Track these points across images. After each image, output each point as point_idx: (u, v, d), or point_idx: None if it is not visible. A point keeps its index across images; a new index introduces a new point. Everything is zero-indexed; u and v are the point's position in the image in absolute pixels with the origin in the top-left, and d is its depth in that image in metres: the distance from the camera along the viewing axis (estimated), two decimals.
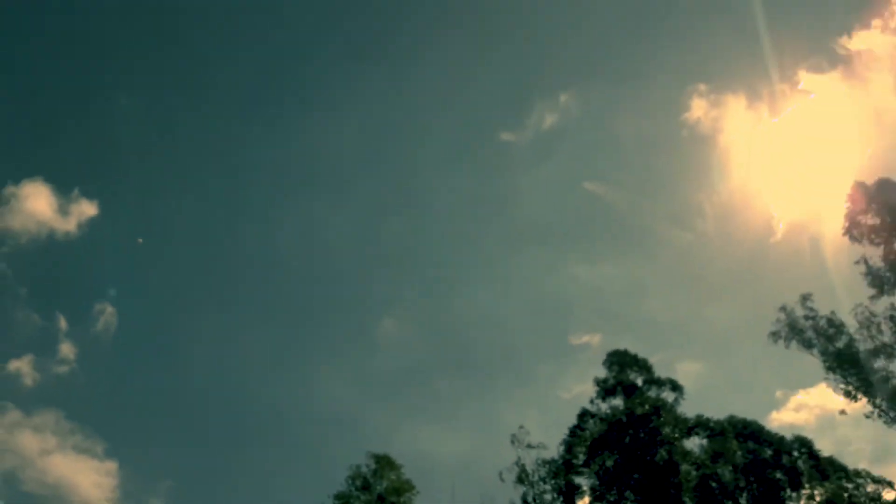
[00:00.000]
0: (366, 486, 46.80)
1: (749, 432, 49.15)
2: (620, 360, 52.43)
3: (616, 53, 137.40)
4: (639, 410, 48.34)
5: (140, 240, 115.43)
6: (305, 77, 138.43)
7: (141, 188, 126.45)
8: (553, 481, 47.80)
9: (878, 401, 42.42)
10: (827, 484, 46.12)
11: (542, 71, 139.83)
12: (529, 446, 48.88)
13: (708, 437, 49.40)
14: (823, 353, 44.36)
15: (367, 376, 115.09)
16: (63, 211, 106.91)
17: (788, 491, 46.43)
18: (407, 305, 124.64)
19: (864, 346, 43.33)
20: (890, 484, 45.67)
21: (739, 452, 47.80)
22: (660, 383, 51.29)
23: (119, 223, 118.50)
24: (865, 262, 44.82)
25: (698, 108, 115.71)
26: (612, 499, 46.66)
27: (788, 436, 49.12)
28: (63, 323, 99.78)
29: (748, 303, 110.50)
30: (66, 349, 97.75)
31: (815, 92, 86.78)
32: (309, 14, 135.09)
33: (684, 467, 47.13)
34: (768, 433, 49.20)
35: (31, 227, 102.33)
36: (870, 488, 45.74)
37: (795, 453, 48.04)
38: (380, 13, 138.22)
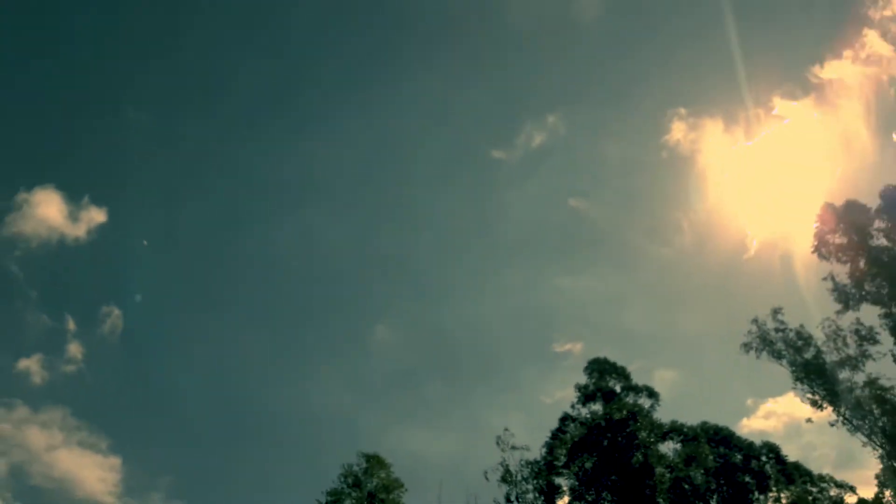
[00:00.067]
0: (357, 484, 47.71)
1: (720, 438, 50.50)
2: (600, 368, 53.80)
3: (601, 78, 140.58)
4: (617, 415, 49.59)
5: (145, 242, 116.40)
6: (307, 93, 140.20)
7: (148, 196, 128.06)
8: (535, 481, 48.81)
9: (842, 409, 44.15)
10: (793, 488, 47.57)
11: (532, 93, 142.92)
12: (513, 448, 49.77)
13: (681, 441, 50.67)
14: (792, 363, 45.98)
15: (360, 379, 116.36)
16: (73, 217, 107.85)
17: (756, 494, 47.76)
18: (399, 312, 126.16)
19: (830, 357, 45.04)
20: (852, 488, 47.31)
21: (711, 457, 49.04)
22: (637, 390, 52.61)
23: (127, 230, 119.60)
24: (832, 278, 46.78)
25: (678, 131, 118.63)
26: (590, 499, 47.79)
27: (757, 442, 50.59)
28: (71, 324, 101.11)
29: (722, 315, 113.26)
30: (74, 349, 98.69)
31: (788, 117, 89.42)
32: (311, 34, 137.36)
33: (659, 470, 48.36)
34: (738, 439, 50.63)
35: (42, 233, 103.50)
36: (833, 492, 47.27)
37: (764, 458, 49.44)
38: (379, 35, 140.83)
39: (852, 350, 44.44)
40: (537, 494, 48.52)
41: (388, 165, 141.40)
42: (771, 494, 47.87)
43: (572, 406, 52.83)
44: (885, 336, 43.89)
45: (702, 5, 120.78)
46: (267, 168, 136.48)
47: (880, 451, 42.75)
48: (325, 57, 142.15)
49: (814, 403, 44.85)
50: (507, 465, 48.97)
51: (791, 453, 50.19)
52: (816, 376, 44.79)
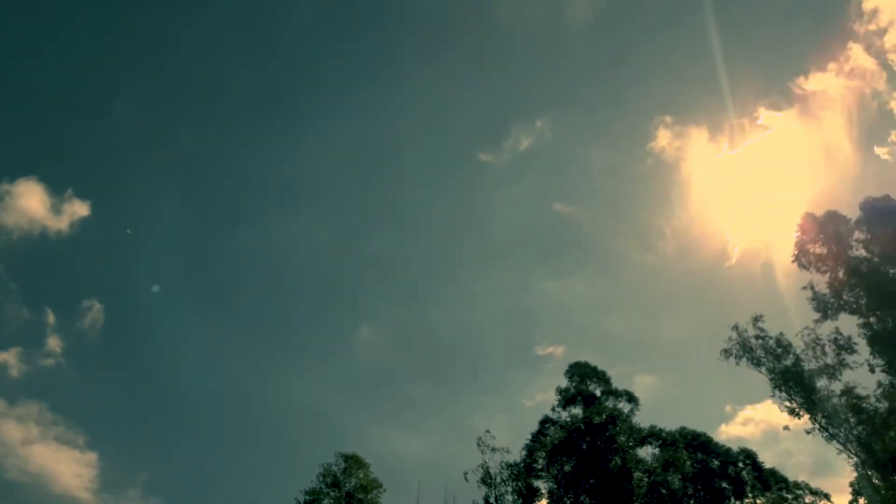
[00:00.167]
0: (335, 484, 47.18)
1: (698, 443, 50.39)
2: (581, 372, 53.55)
3: (589, 85, 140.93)
4: (596, 419, 49.39)
5: (128, 231, 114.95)
6: (298, 95, 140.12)
7: (133, 191, 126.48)
8: (514, 483, 48.47)
9: (818, 417, 44.07)
10: (769, 494, 47.50)
11: (521, 97, 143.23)
12: (494, 450, 49.44)
13: (660, 446, 50.51)
14: (771, 371, 45.85)
15: (344, 379, 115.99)
16: (56, 210, 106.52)
17: (733, 500, 47.57)
18: (385, 313, 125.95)
19: (809, 366, 44.97)
20: (826, 496, 47.31)
21: (689, 462, 48.92)
22: (617, 394, 52.42)
23: (110, 224, 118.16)
24: (812, 288, 46.73)
25: (663, 139, 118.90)
26: (568, 502, 47.39)
27: (735, 448, 50.51)
28: (51, 318, 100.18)
29: (703, 322, 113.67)
30: (53, 343, 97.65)
31: (772, 127, 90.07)
32: (304, 37, 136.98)
33: (637, 474, 48.16)
34: (716, 445, 50.52)
35: (23, 225, 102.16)
36: (808, 499, 47.24)
37: (741, 464, 49.33)
38: (371, 38, 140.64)
39: (830, 359, 44.40)
40: (516, 497, 48.16)
41: (377, 167, 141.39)
42: (747, 500, 47.72)
43: (553, 409, 52.68)
44: (862, 346, 43.94)
45: (691, 15, 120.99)
46: (255, 168, 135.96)
47: (855, 459, 42.66)
48: (318, 59, 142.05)
49: (791, 412, 44.73)
50: (488, 467, 48.71)
51: (768, 460, 50.35)
52: (795, 384, 44.67)
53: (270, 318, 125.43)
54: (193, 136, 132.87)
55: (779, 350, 46.05)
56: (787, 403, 44.95)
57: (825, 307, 45.72)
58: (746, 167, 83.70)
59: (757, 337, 46.96)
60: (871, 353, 43.33)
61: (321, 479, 47.36)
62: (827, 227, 46.82)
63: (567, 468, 48.55)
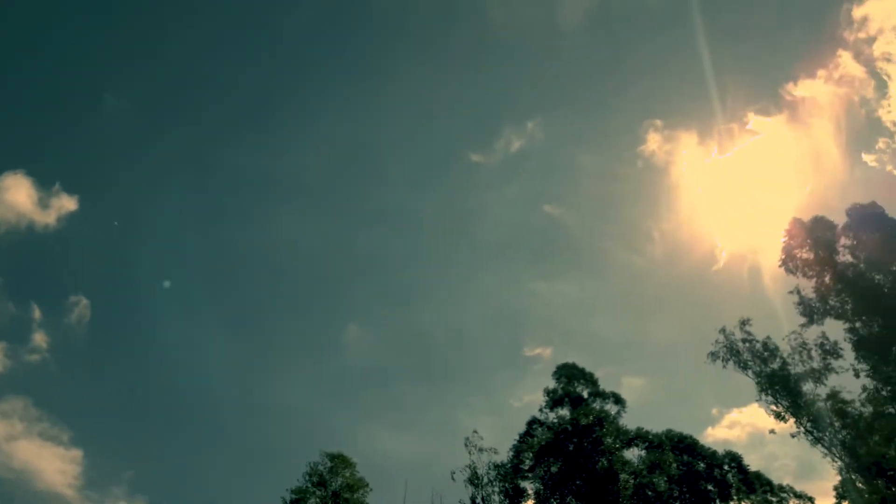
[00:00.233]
0: (322, 483, 46.81)
1: (684, 446, 50.25)
2: (569, 373, 53.38)
3: (581, 87, 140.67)
4: (583, 421, 49.19)
5: (116, 222, 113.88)
6: (289, 93, 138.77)
7: (122, 187, 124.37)
8: (501, 484, 48.24)
9: (804, 421, 44.12)
10: (753, 497, 47.43)
11: (513, 99, 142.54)
12: (481, 450, 49.11)
13: (646, 448, 50.27)
14: (758, 374, 45.90)
15: (332, 378, 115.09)
16: (43, 204, 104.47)
17: (718, 502, 47.32)
18: (374, 312, 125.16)
19: (795, 370, 45.03)
20: (811, 499, 47.23)
21: (675, 464, 48.75)
22: (604, 396, 52.29)
23: (98, 219, 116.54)
24: (798, 292, 46.86)
25: (653, 142, 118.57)
26: (554, 503, 47.35)
27: (721, 451, 50.47)
28: (37, 313, 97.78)
29: (690, 325, 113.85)
30: (39, 338, 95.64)
31: (761, 132, 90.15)
32: (296, 37, 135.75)
33: (623, 476, 47.97)
34: (702, 447, 50.39)
35: (10, 218, 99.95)
36: (792, 502, 47.09)
37: (726, 467, 49.19)
38: (363, 39, 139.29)
39: (816, 363, 44.51)
40: (503, 497, 47.91)
41: (367, 166, 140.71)
42: (732, 503, 47.68)
43: (540, 410, 52.38)
44: (847, 351, 44.06)
45: (682, 20, 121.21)
46: (245, 166, 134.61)
47: (839, 463, 42.74)
48: (309, 58, 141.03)
49: (777, 415, 44.78)
50: (475, 468, 48.42)
51: (753, 463, 50.20)
52: (781, 388, 44.73)
53: (259, 316, 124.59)
54: (184, 133, 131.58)
55: (766, 354, 46.10)
56: (773, 407, 45.02)
57: (811, 312, 45.84)
58: (735, 172, 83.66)
59: (744, 340, 47.04)
60: (856, 358, 43.49)
61: (307, 478, 46.97)
62: (814, 232, 46.96)
63: (554, 469, 48.32)
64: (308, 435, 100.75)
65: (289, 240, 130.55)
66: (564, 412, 51.34)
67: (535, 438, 50.44)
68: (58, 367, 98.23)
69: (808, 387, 44.27)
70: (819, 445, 43.39)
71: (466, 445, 49.19)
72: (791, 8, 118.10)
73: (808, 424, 43.77)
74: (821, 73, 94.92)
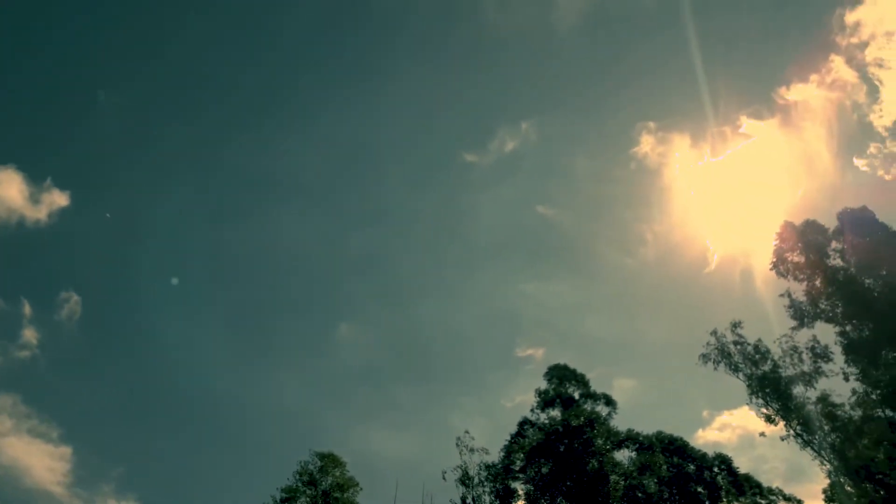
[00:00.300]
0: (312, 482, 46.60)
1: (675, 448, 50.23)
2: (560, 374, 53.26)
3: (575, 89, 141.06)
4: (574, 422, 49.04)
5: (108, 215, 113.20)
6: (285, 93, 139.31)
7: (115, 183, 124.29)
8: (492, 485, 48.12)
9: (793, 424, 44.02)
10: (743, 499, 47.43)
11: (507, 99, 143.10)
12: (472, 450, 49.02)
13: (637, 450, 50.23)
14: (748, 377, 45.76)
15: (325, 377, 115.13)
16: (34, 199, 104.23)
17: None
18: (367, 312, 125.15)
19: (786, 373, 44.92)
20: (799, 502, 47.33)
21: (665, 466, 48.70)
22: (595, 397, 52.17)
23: (90, 215, 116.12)
24: (789, 295, 46.71)
25: (646, 144, 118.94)
26: None
27: (711, 453, 50.47)
28: (27, 309, 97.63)
29: (682, 327, 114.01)
30: (29, 335, 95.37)
31: (754, 135, 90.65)
32: (293, 38, 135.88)
33: (613, 477, 47.85)
34: (692, 449, 50.40)
35: (0, 214, 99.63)
36: None
37: (716, 469, 49.26)
38: (360, 40, 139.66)
39: (807, 366, 44.39)
40: (493, 498, 47.76)
41: (362, 165, 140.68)
42: None
43: (532, 411, 52.38)
44: (837, 354, 43.98)
45: (677, 23, 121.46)
46: (240, 165, 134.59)
47: (828, 466, 42.64)
48: (305, 59, 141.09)
49: (767, 418, 44.63)
50: (466, 468, 48.27)
51: (743, 465, 50.30)
52: (771, 391, 44.61)
53: (253, 314, 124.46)
54: (178, 131, 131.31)
55: (757, 356, 45.95)
56: (764, 410, 44.86)
57: (802, 315, 45.72)
58: (727, 175, 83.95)
59: (735, 343, 46.88)
60: (846, 362, 43.36)
61: (297, 477, 46.77)
62: (805, 235, 46.87)
63: (544, 470, 48.17)
64: (301, 433, 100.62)
65: (284, 238, 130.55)
66: (556, 413, 51.23)
67: (527, 439, 50.30)
68: (48, 363, 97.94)
69: (798, 390, 44.17)
70: (808, 448, 43.28)
71: (458, 445, 49.16)
72: (784, 13, 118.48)
73: (798, 427, 43.65)
74: (813, 77, 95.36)
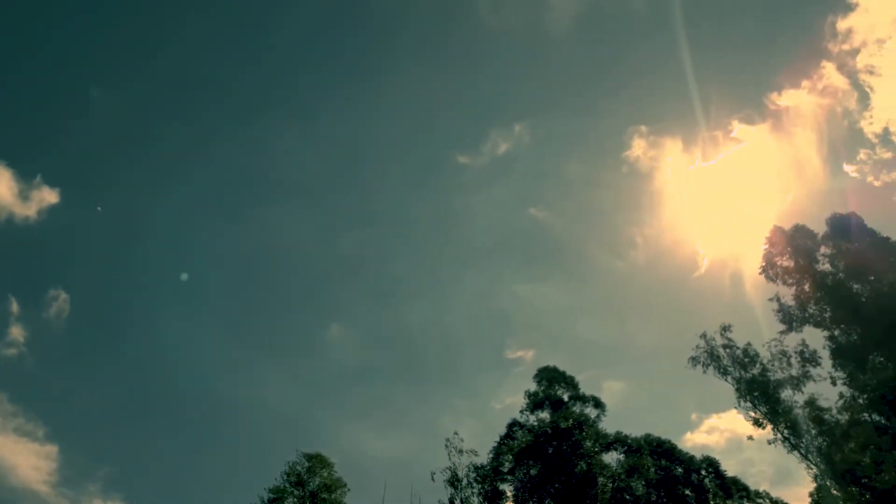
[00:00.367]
0: (300, 483, 46.32)
1: (663, 450, 50.15)
2: (549, 376, 53.16)
3: (568, 92, 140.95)
4: (563, 424, 48.89)
5: (99, 207, 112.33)
6: (279, 94, 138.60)
7: (105, 181, 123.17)
8: (480, 486, 47.95)
9: (781, 428, 44.07)
10: (730, 502, 47.41)
11: (501, 102, 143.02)
12: (461, 451, 48.83)
13: (625, 452, 50.07)
14: (737, 380, 45.80)
15: (315, 377, 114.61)
16: (24, 196, 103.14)
17: None
18: (359, 313, 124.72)
19: (774, 376, 44.99)
20: None
21: (653, 469, 48.59)
22: (584, 400, 52.07)
23: (80, 213, 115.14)
24: (778, 299, 46.80)
25: (638, 148, 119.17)
26: None
27: (699, 456, 50.44)
28: (15, 306, 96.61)
29: (671, 330, 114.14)
30: (16, 332, 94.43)
31: (745, 140, 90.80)
32: (289, 38, 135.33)
33: (601, 479, 47.73)
34: (680, 452, 50.33)
35: None
36: None
37: (704, 472, 49.20)
38: (354, 42, 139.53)
39: (795, 370, 44.49)
40: (482, 499, 47.58)
41: (356, 165, 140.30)
42: None
43: (521, 412, 52.19)
44: (825, 359, 44.09)
45: (670, 28, 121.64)
46: (233, 165, 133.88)
47: (815, 469, 42.71)
48: (300, 59, 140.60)
49: (755, 422, 44.67)
50: (455, 469, 48.08)
51: (730, 468, 50.31)
52: (760, 394, 44.65)
53: (244, 313, 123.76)
54: (171, 130, 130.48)
55: (746, 360, 45.99)
56: (752, 413, 44.89)
57: (790, 319, 45.82)
58: (718, 179, 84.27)
59: (725, 346, 46.91)
60: (834, 366, 43.47)
61: (285, 477, 46.50)
62: (794, 240, 46.98)
63: (533, 472, 48.02)
64: (290, 433, 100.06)
65: (275, 238, 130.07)
66: (545, 415, 51.09)
67: (516, 441, 50.13)
68: (35, 361, 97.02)
69: (786, 394, 44.25)
70: (796, 452, 43.33)
71: (447, 447, 48.92)
72: (777, 19, 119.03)
73: (786, 431, 43.71)
74: (805, 83, 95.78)
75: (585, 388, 52.79)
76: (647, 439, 50.70)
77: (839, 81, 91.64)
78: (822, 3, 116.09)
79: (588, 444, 48.64)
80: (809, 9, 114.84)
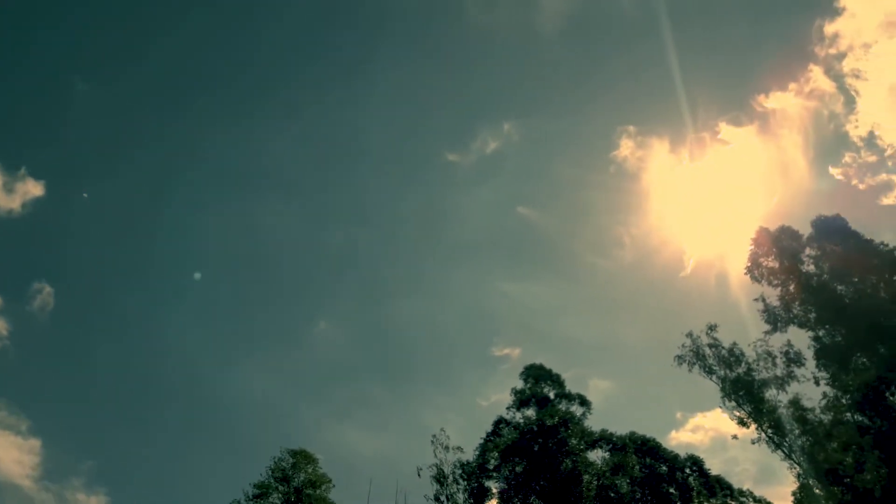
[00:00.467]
0: (285, 479, 46.00)
1: (647, 448, 50.11)
2: (536, 374, 53.07)
3: (557, 92, 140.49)
4: (549, 422, 48.81)
5: (85, 194, 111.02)
6: (267, 89, 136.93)
7: (90, 173, 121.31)
8: (466, 483, 47.82)
9: (765, 427, 44.29)
10: (714, 500, 47.41)
11: (490, 100, 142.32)
12: (447, 448, 48.66)
13: (610, 450, 49.98)
14: (722, 379, 45.99)
15: (300, 374, 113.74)
16: (8, 189, 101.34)
17: None
18: (345, 309, 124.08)
19: (759, 376, 45.21)
20: None
21: (637, 467, 48.53)
22: (570, 398, 52.01)
23: (65, 206, 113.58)
24: (763, 300, 47.05)
25: (626, 148, 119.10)
26: (518, 503, 46.98)
27: (683, 454, 50.51)
28: None
29: (657, 330, 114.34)
30: (0, 325, 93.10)
31: (732, 142, 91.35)
32: (276, 34, 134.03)
33: (586, 477, 47.68)
34: (665, 450, 50.30)
35: None
36: None
37: (688, 470, 49.22)
38: (343, 39, 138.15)
39: (780, 370, 44.74)
40: (467, 496, 47.43)
41: (344, 162, 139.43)
42: None
43: (507, 410, 51.94)
44: (809, 359, 44.40)
45: (659, 29, 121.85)
46: (220, 159, 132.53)
47: (798, 468, 42.96)
48: (289, 56, 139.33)
49: (740, 421, 44.90)
50: (441, 466, 47.91)
51: (715, 467, 50.16)
52: (744, 394, 44.85)
53: (230, 308, 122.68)
54: (156, 121, 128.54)
55: (731, 359, 46.21)
56: (736, 412, 45.12)
57: (776, 319, 46.06)
58: (705, 180, 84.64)
59: (710, 345, 47.11)
60: (818, 367, 43.74)
61: (270, 473, 46.13)
62: (780, 241, 47.22)
63: (518, 469, 47.88)
64: (276, 428, 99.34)
65: (262, 234, 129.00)
66: (531, 412, 50.99)
67: (502, 438, 49.97)
68: (18, 355, 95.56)
69: (770, 393, 44.48)
70: (779, 451, 43.62)
71: (433, 443, 48.68)
72: (764, 22, 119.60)
73: (770, 430, 43.94)
74: (792, 86, 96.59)
75: (572, 386, 52.71)
76: (632, 437, 50.64)
77: (826, 85, 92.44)
78: (809, 7, 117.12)
79: (573, 441, 48.56)
80: (797, 12, 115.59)
